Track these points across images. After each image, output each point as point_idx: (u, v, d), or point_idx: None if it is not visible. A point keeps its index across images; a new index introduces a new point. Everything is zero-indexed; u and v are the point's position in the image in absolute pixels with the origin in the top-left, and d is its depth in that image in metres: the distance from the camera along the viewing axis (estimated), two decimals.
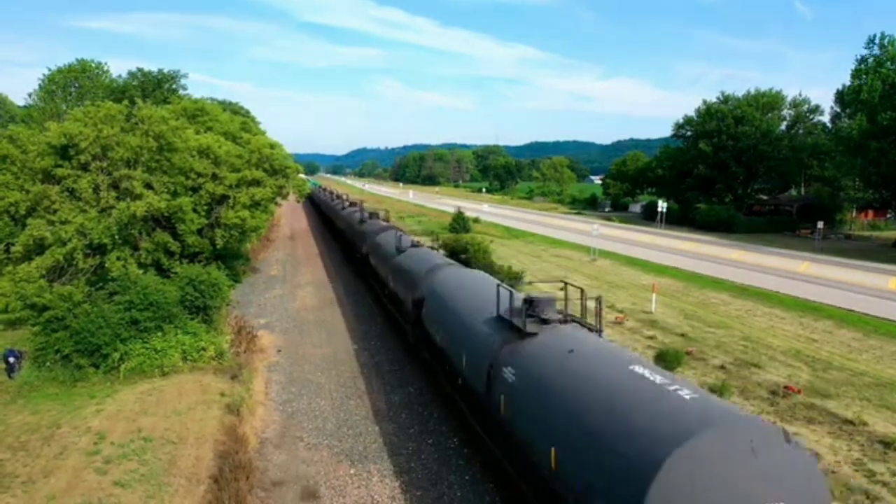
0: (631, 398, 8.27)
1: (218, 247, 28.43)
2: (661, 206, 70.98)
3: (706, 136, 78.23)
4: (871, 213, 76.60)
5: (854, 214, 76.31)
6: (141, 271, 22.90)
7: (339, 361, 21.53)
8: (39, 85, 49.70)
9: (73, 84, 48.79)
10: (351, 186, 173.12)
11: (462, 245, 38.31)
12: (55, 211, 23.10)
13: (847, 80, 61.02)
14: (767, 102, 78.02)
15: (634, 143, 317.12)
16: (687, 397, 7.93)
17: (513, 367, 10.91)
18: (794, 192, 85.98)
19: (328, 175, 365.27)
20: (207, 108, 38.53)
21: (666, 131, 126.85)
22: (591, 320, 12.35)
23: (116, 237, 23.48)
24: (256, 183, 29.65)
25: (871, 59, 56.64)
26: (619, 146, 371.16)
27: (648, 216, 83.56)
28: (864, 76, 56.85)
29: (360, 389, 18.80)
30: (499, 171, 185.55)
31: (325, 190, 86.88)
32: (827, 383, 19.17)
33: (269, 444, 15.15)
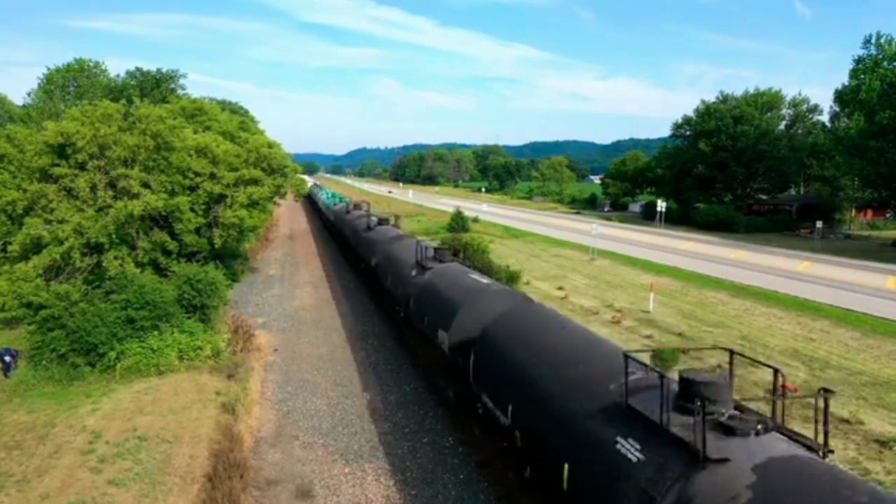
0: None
1: (216, 246, 28.40)
2: (661, 205, 70.90)
3: (705, 135, 78.12)
4: (870, 212, 76.61)
5: (853, 214, 76.26)
6: (138, 270, 22.91)
7: (336, 360, 21.51)
8: (38, 84, 49.66)
9: (71, 84, 48.68)
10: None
11: (461, 245, 38.25)
12: (52, 210, 23.11)
13: (846, 80, 61.14)
14: (766, 102, 77.99)
15: (634, 143, 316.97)
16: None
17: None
18: (793, 191, 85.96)
19: (328, 175, 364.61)
20: (206, 107, 38.53)
21: (665, 131, 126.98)
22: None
23: (114, 236, 23.49)
24: (254, 182, 29.64)
25: (868, 59, 56.60)
26: (618, 146, 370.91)
27: (648, 216, 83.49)
28: (862, 76, 56.78)
29: (357, 388, 18.79)
30: (498, 170, 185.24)
31: (360, 209, 42.87)
32: (824, 382, 19.13)
33: (264, 443, 15.13)
